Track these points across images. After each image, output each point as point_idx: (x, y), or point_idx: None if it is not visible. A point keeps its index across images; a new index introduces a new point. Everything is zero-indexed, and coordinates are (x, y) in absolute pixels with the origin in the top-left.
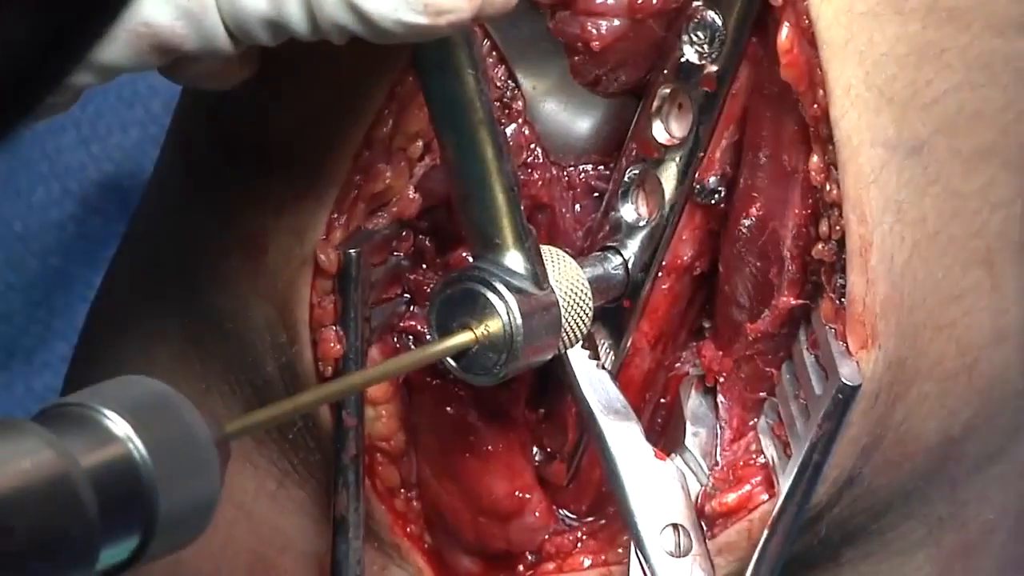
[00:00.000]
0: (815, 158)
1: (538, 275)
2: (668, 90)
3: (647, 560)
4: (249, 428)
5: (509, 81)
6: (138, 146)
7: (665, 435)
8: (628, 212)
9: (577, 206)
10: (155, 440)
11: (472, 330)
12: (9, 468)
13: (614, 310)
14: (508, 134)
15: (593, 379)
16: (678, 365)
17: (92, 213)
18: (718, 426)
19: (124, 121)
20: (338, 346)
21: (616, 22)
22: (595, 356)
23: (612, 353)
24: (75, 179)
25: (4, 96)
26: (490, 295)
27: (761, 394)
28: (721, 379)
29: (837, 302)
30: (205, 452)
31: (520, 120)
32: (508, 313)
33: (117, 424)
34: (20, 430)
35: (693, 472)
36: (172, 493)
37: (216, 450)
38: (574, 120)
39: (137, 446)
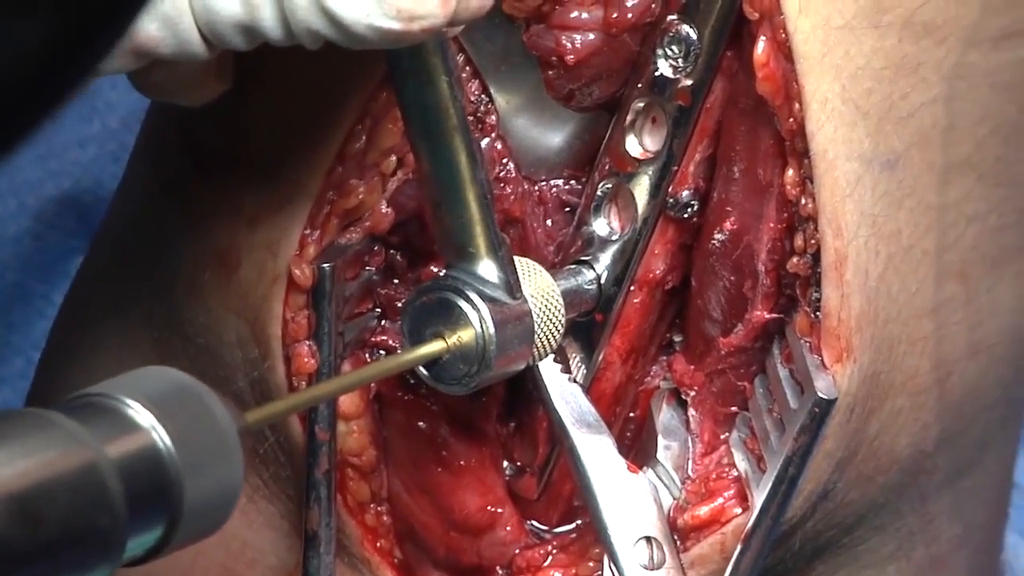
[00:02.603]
0: (790, 171)
1: (511, 284)
2: (642, 104)
3: (621, 573)
4: (269, 417)
5: (483, 96)
6: (95, 162)
7: (636, 449)
8: (600, 226)
9: (549, 221)
10: (179, 429)
11: (444, 339)
12: (37, 458)
13: (586, 324)
14: (483, 147)
15: (565, 392)
16: (648, 379)
17: (50, 228)
18: (690, 439)
19: (81, 137)
20: (312, 361)
21: (591, 36)
22: (567, 369)
23: (583, 366)
24: (32, 194)
25: (14, 109)
26: (463, 304)
27: (733, 408)
28: (692, 393)
29: (812, 316)
30: (229, 441)
31: (493, 135)
32: (481, 322)
33: (141, 414)
34: (47, 420)
35: (665, 485)
36: (197, 483)
37: (239, 439)
38: (546, 135)
39: (161, 435)
